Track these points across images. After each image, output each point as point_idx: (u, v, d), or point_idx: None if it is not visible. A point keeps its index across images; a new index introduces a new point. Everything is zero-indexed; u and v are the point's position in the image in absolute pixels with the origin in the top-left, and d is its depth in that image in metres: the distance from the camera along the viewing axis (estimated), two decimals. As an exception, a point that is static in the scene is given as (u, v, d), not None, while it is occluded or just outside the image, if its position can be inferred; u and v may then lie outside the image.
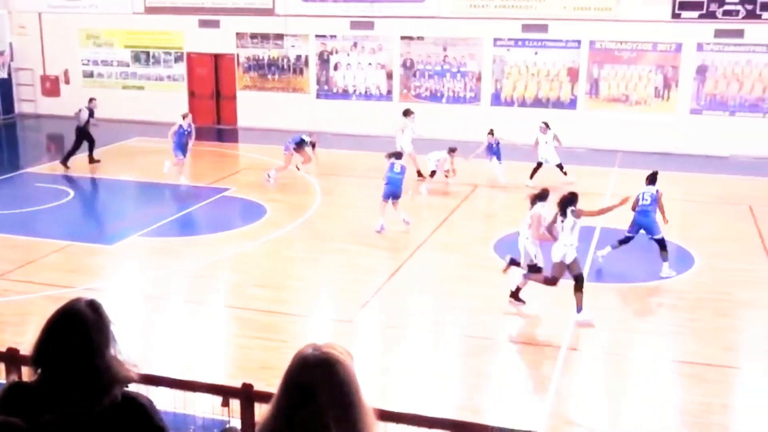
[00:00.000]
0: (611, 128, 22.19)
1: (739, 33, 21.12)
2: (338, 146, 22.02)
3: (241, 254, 13.64)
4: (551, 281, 11.04)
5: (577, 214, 10.78)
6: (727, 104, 21.66)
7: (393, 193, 14.93)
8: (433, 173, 17.62)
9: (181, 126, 18.08)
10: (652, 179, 13.39)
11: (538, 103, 23.00)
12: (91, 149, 20.03)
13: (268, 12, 24.65)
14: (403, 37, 23.86)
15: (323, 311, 11.70)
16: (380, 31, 23.93)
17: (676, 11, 21.45)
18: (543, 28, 22.55)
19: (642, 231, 12.93)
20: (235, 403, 5.46)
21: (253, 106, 25.29)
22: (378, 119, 23.14)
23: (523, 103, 23.16)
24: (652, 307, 11.64)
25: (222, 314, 11.46)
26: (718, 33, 21.28)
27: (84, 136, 19.83)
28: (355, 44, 24.37)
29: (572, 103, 22.82)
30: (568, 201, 10.89)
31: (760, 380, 9.60)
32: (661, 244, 12.68)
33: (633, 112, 22.26)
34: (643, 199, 13.00)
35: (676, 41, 21.71)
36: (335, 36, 24.46)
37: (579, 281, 10.83)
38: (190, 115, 18.69)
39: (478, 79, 23.48)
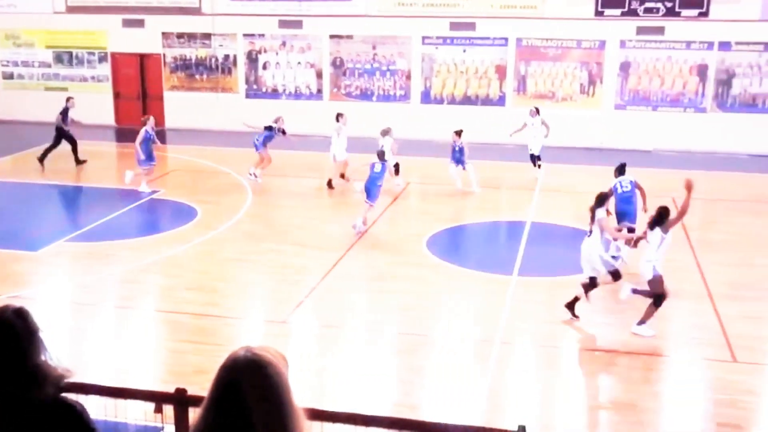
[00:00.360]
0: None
1: (660, 30, 21.71)
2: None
3: (172, 257, 13.44)
4: (659, 297, 10.61)
5: (666, 229, 10.69)
6: (650, 99, 22.24)
7: (366, 189, 14.93)
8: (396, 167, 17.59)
9: (146, 131, 17.32)
10: (621, 171, 13.69)
11: (467, 100, 23.24)
12: (74, 150, 19.68)
13: (195, 11, 24.33)
14: (332, 36, 23.83)
15: (257, 313, 11.62)
16: (309, 30, 23.85)
17: (599, 9, 21.93)
18: (471, 26, 22.79)
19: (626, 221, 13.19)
20: (169, 409, 5.37)
21: (181, 107, 24.92)
22: (308, 118, 23.06)
23: (452, 101, 23.37)
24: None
25: (153, 319, 11.27)
26: (640, 30, 21.84)
27: (63, 136, 19.52)
28: (283, 43, 24.23)
29: (501, 100, 23.12)
30: (658, 218, 10.77)
31: (687, 368, 9.89)
32: (632, 231, 13.03)
33: (560, 108, 22.68)
34: (622, 186, 13.36)
35: (599, 38, 22.20)
36: (263, 35, 24.28)
37: (658, 299, 10.53)
38: (152, 118, 17.83)
39: (408, 77, 23.61)
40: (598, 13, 21.99)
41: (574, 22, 22.10)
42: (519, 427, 4.74)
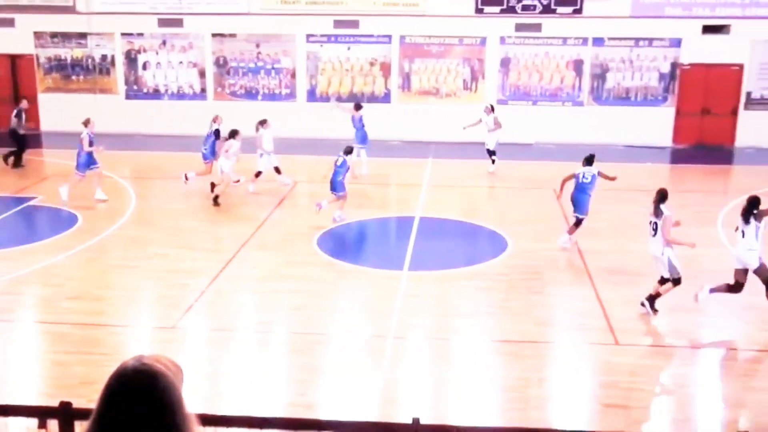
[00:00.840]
0: (424, 120, 22.86)
1: (537, 27, 22.38)
2: (151, 148, 21.33)
3: (52, 266, 12.91)
4: (737, 288, 10.76)
5: (760, 218, 10.68)
6: (530, 94, 22.89)
7: (330, 183, 15.18)
8: (258, 173, 17.37)
9: (89, 135, 16.54)
10: (589, 161, 14.15)
11: (353, 97, 23.30)
12: (18, 153, 19.38)
13: (69, 9, 23.43)
14: (214, 35, 23.43)
15: (145, 320, 11.30)
16: (190, 28, 23.37)
17: (479, 6, 22.41)
18: (354, 23, 22.87)
19: (574, 208, 13.89)
20: (54, 424, 5.17)
21: (57, 109, 23.94)
22: (192, 119, 22.63)
23: (338, 99, 23.38)
24: (469, 291, 12.12)
25: (35, 331, 10.81)
26: (519, 27, 22.45)
27: (16, 138, 19.31)
28: (164, 42, 23.66)
29: (386, 97, 23.31)
30: (751, 206, 10.76)
31: (572, 352, 10.24)
32: (579, 222, 13.75)
33: (444, 104, 23.06)
34: (583, 177, 13.99)
35: (480, 35, 22.68)
36: (143, 34, 23.64)
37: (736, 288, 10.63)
38: (92, 121, 16.94)
39: (293, 75, 23.48)
40: (478, 11, 22.46)
41: (456, 19, 22.50)
42: (413, 419, 4.79)
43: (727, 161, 21.60)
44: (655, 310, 11.07)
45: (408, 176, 19.03)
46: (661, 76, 22.42)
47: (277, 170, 17.48)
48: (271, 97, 23.54)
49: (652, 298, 11.10)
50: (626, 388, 9.22)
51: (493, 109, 19.33)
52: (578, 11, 22.11)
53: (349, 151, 15.78)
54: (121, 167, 18.15)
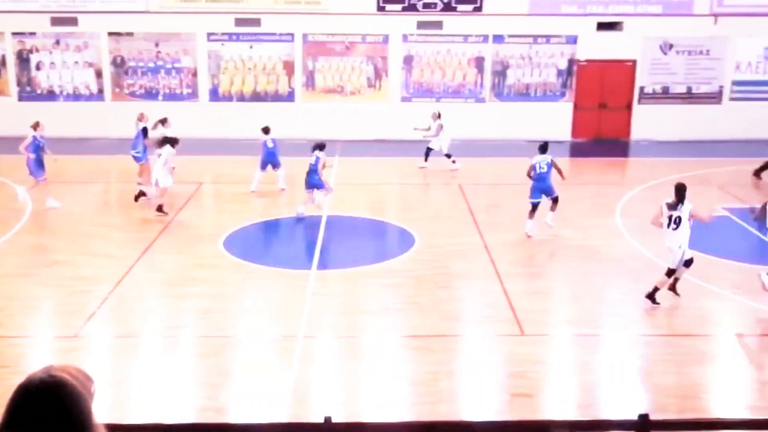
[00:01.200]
0: (330, 119, 22.84)
1: (438, 24, 22.65)
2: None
3: (-57, 277, 12.32)
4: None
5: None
6: (433, 91, 23.15)
7: (308, 182, 15.50)
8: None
9: (35, 138, 15.84)
10: (543, 149, 14.64)
11: (257, 97, 23.09)
12: None
13: (-46, 8, 22.38)
14: (110, 34, 22.79)
15: (45, 329, 10.92)
16: (85, 27, 22.65)
17: (381, 4, 22.52)
18: (256, 22, 22.64)
19: (543, 195, 14.45)
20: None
21: (-56, 113, 22.83)
22: (89, 120, 21.99)
23: (241, 98, 23.13)
24: (378, 288, 12.18)
25: (-75, 345, 10.29)
26: (420, 25, 22.67)
27: None
28: (57, 42, 22.87)
29: (290, 96, 23.17)
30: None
31: (479, 344, 10.43)
32: (556, 200, 14.47)
33: (349, 102, 23.09)
34: (540, 167, 14.47)
35: (383, 33, 22.80)
36: (35, 33, 22.79)
37: None
38: (42, 124, 16.29)
39: (194, 74, 23.07)
40: (380, 9, 22.57)
41: (358, 17, 22.55)
42: (325, 418, 4.79)
43: (624, 154, 22.37)
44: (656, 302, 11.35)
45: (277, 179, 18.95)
46: (559, 72, 23.03)
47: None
48: (172, 97, 23.07)
49: (653, 291, 11.36)
50: (533, 377, 9.45)
51: (439, 115, 19.44)
52: (478, 9, 22.49)
53: (320, 146, 15.85)
54: (15, 172, 17.44)
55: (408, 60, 22.99)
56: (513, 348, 10.23)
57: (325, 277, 12.50)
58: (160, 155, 15.49)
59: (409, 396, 9.07)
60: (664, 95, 23.06)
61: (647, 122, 23.01)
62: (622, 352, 10.32)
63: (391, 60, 22.97)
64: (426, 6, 22.48)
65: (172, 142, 15.67)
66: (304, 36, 22.85)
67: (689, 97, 23.05)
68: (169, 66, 23.01)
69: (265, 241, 15.20)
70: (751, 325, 11.07)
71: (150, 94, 23.04)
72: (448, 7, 22.48)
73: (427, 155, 19.33)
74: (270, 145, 17.02)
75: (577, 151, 22.39)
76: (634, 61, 22.86)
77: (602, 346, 10.50)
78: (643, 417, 4.40)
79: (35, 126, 16.10)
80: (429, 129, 19.41)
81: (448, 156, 19.22)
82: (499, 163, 20.05)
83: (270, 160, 17.06)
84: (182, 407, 8.70)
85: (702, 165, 19.44)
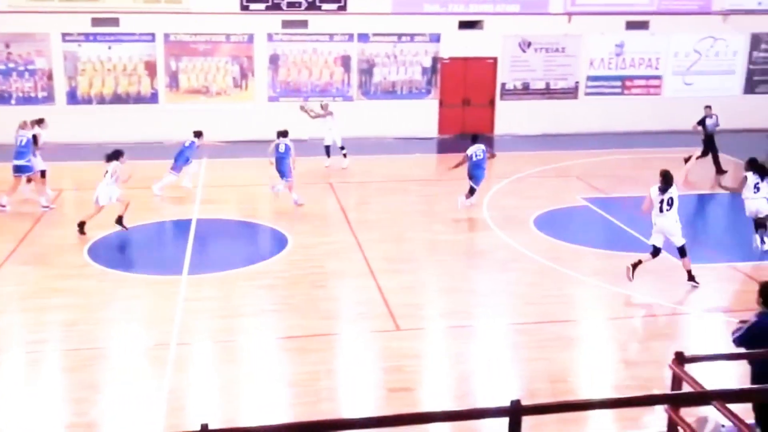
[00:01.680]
0: (196, 120, 22.32)
1: (304, 23, 22.57)
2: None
3: None
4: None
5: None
6: (301, 90, 23.06)
7: (278, 170, 16.08)
8: None
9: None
10: (475, 139, 16.06)
11: (117, 99, 22.31)
12: None
13: None
14: (-45, 34, 21.48)
15: None
16: (-74, 27, 21.24)
17: (245, 3, 22.23)
18: (114, 21, 21.86)
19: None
20: None
21: None
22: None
23: (101, 100, 22.29)
24: (252, 290, 12.04)
25: None
26: (285, 24, 22.53)
27: None
28: None
29: (154, 97, 22.53)
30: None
31: (356, 341, 10.47)
32: (473, 191, 15.70)
33: (215, 102, 22.68)
34: (476, 155, 15.69)
35: (247, 32, 22.52)
36: None
37: None
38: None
39: (50, 77, 22.05)
40: (244, 8, 22.28)
41: (221, 16, 22.18)
42: (201, 425, 4.69)
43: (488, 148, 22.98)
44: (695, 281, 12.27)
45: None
46: (424, 70, 23.44)
47: (43, 174, 16.46)
48: (27, 100, 21.96)
49: (689, 275, 12.25)
50: (409, 371, 9.58)
51: (331, 113, 19.37)
52: (343, 8, 22.57)
53: (284, 133, 16.51)
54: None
55: (274, 59, 22.81)
56: (389, 343, 10.34)
57: (197, 282, 12.23)
58: (107, 171, 14.31)
59: (288, 397, 9.01)
60: (525, 91, 23.87)
61: (509, 118, 23.76)
62: (494, 341, 10.61)
63: (257, 59, 22.72)
64: (290, 5, 22.37)
65: (118, 155, 14.55)
66: (166, 36, 22.26)
67: (548, 92, 23.96)
68: (21, 68, 21.89)
69: (133, 248, 14.67)
70: (613, 308, 11.61)
71: (2, 98, 21.86)
72: (312, 6, 22.44)
73: (328, 153, 19.28)
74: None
75: (444, 147, 22.85)
76: (495, 59, 23.53)
77: (475, 337, 10.77)
78: (515, 403, 4.53)
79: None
80: (312, 112, 19.38)
81: (342, 148, 19.26)
82: (368, 161, 20.20)
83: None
84: (49, 425, 8.31)
85: (562, 157, 20.25)
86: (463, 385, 9.44)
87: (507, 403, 4.57)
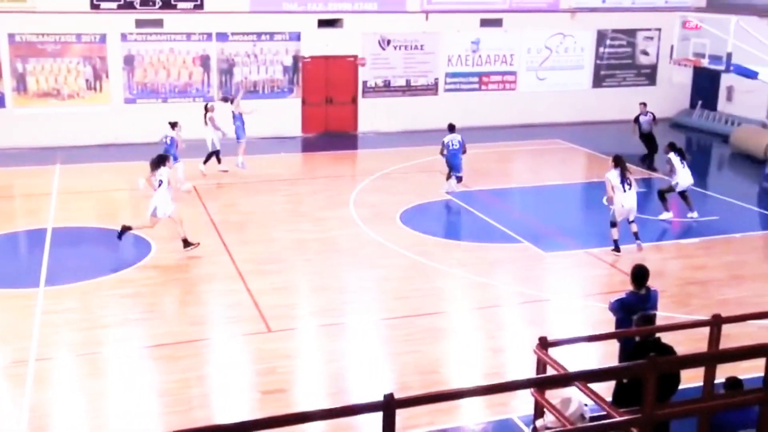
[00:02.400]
0: (48, 124, 21.35)
1: (159, 23, 21.95)
2: None
3: None
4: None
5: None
6: (159, 92, 22.42)
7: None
8: None
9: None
10: (452, 128, 17.12)
11: (-41, 103, 21.01)
12: None
13: None
14: None
15: None
16: None
17: (95, 2, 21.39)
18: (-48, 21, 20.58)
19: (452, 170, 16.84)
20: None
21: None
22: None
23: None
24: (116, 299, 11.61)
25: None
26: (139, 23, 21.83)
27: None
28: None
29: (0, 101, 21.34)
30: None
31: (227, 345, 10.30)
32: (460, 179, 17.01)
33: (67, 105, 21.71)
34: (452, 144, 16.87)
35: (99, 32, 21.68)
36: None
37: None
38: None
39: None
40: (95, 6, 21.43)
41: (70, 15, 21.24)
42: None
43: (352, 146, 23.13)
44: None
45: (34, 186, 17.64)
46: (285, 69, 23.29)
47: None
48: None
49: (636, 235, 13.55)
50: (282, 372, 9.52)
51: (211, 108, 18.70)
52: (199, 6, 22.11)
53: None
54: None
55: (129, 60, 22.07)
56: (261, 345, 10.23)
57: (55, 294, 11.68)
58: (160, 181, 13.19)
59: (158, 407, 8.76)
60: (386, 88, 24.16)
61: (371, 115, 23.98)
62: (365, 337, 10.70)
63: (111, 60, 21.91)
64: (144, 3, 21.70)
65: (164, 159, 13.50)
66: (11, 36, 21.11)
67: (408, 89, 24.34)
68: None
69: (-17, 261, 13.87)
70: (479, 298, 11.94)
71: None
72: (167, 5, 21.86)
73: (218, 158, 18.63)
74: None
75: (308, 145, 22.81)
76: (355, 57, 23.68)
77: (347, 334, 10.81)
78: (388, 397, 4.57)
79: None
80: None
81: (217, 152, 18.75)
82: (231, 162, 19.87)
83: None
84: None
85: (424, 153, 20.62)
86: (336, 382, 9.46)
87: (380, 398, 4.61)
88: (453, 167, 17.02)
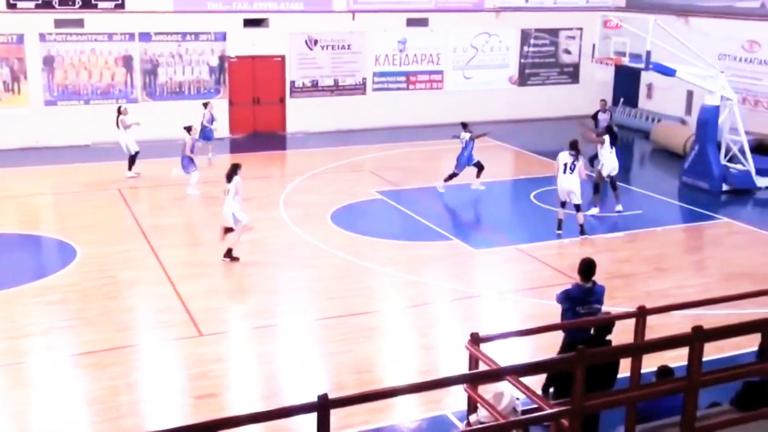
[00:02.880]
0: (-38, 128, 20.63)
1: (79, 23, 21.40)
2: None
3: None
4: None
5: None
6: (80, 93, 21.87)
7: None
8: None
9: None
10: (464, 126, 17.49)
11: None
12: None
13: None
14: None
15: None
16: None
17: (12, 1, 20.74)
18: None
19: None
20: None
21: None
22: None
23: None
24: (40, 307, 11.29)
25: None
26: (59, 23, 21.25)
27: None
28: None
29: None
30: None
31: (157, 351, 10.12)
32: (454, 175, 17.09)
33: (-17, 108, 21.01)
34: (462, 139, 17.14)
35: (16, 32, 21.03)
36: None
37: None
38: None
39: None
40: (11, 6, 20.78)
41: (-14, 15, 20.57)
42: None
43: (281, 147, 22.97)
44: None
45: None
46: (212, 69, 22.98)
47: None
48: None
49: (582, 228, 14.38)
50: (215, 376, 9.40)
51: (123, 111, 18.23)
52: (121, 6, 21.65)
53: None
54: None
55: (49, 61, 21.46)
56: (192, 350, 10.08)
57: (-27, 303, 11.29)
58: (228, 190, 13.01)
59: (87, 416, 8.56)
60: (314, 88, 24.07)
61: (300, 115, 23.86)
62: (299, 338, 10.64)
63: (29, 61, 21.28)
64: (63, 3, 21.14)
65: (237, 169, 13.21)
66: None
67: (336, 89, 24.30)
68: None
69: None
70: (412, 296, 12.00)
71: None
72: (87, 5, 21.34)
73: (132, 162, 18.17)
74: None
75: (237, 146, 22.56)
76: (283, 57, 23.53)
77: (279, 336, 10.74)
78: (322, 397, 4.55)
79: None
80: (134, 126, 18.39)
81: (135, 155, 18.33)
82: (158, 164, 19.51)
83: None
84: None
85: (353, 152, 20.65)
86: (270, 384, 9.39)
87: (315, 399, 4.58)
88: (456, 163, 17.17)
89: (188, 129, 17.20)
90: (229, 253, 13.07)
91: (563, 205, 14.42)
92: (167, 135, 21.75)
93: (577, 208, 14.35)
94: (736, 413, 6.06)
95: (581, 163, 14.26)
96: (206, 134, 19.51)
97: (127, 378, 9.38)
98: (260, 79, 23.47)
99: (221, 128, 22.95)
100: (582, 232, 14.38)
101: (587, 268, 8.31)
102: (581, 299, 8.22)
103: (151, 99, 22.52)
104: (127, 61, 22.15)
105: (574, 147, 14.24)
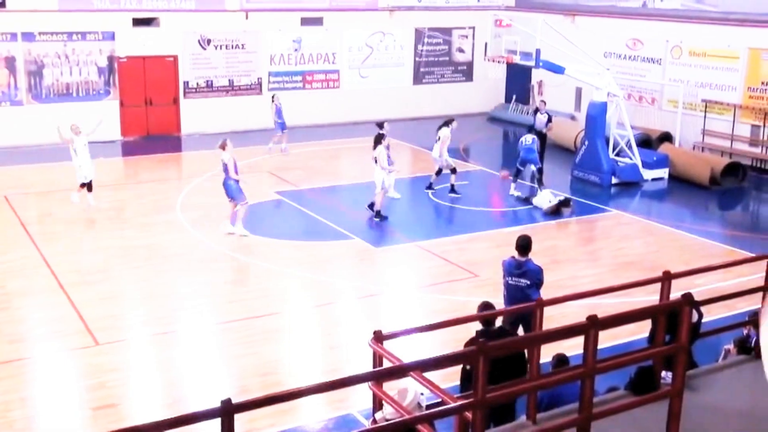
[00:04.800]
0: None
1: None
2: None
3: None
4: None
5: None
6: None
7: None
8: None
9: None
10: (447, 123, 17.47)
11: None
12: None
13: None
14: None
15: None
16: None
17: None
18: None
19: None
20: None
21: None
22: None
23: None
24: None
25: None
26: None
27: None
28: None
29: None
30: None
31: (51, 363, 9.75)
32: (440, 171, 17.60)
33: None
34: (525, 141, 17.23)
35: None
36: None
37: None
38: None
39: None
40: None
41: None
42: None
43: (176, 149, 22.47)
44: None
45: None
46: (101, 70, 22.28)
47: None
48: None
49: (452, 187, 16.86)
50: (113, 386, 9.14)
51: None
52: (2, 5, 20.75)
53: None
54: None
55: None
56: (88, 360, 9.77)
57: None
58: (375, 159, 15.44)
59: (-24, 435, 8.17)
60: (209, 89, 23.68)
61: (194, 116, 23.41)
62: (200, 343, 10.46)
63: None
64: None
65: (380, 138, 15.72)
66: None
67: (232, 89, 23.98)
68: None
69: None
70: (314, 296, 11.97)
71: None
72: (-15, 4, 20.37)
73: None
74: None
75: (129, 149, 21.97)
76: (175, 57, 23.05)
77: (180, 342, 10.53)
78: (226, 402, 4.48)
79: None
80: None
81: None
82: (47, 170, 18.81)
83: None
84: None
85: (250, 153, 20.41)
86: (172, 391, 9.19)
87: (218, 404, 4.51)
88: (531, 161, 17.20)
89: (223, 146, 14.38)
90: (378, 214, 15.33)
91: (454, 171, 17.08)
92: (56, 139, 21.03)
93: (453, 170, 17.05)
94: (630, 397, 6.30)
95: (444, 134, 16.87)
96: (280, 126, 20.77)
97: (20, 392, 9.01)
98: (152, 80, 22.92)
99: (112, 130, 22.33)
100: (452, 190, 16.97)
101: (523, 243, 9.13)
102: (509, 271, 9.09)
103: (37, 102, 21.67)
104: (10, 63, 21.25)
105: (449, 123, 17.25)
